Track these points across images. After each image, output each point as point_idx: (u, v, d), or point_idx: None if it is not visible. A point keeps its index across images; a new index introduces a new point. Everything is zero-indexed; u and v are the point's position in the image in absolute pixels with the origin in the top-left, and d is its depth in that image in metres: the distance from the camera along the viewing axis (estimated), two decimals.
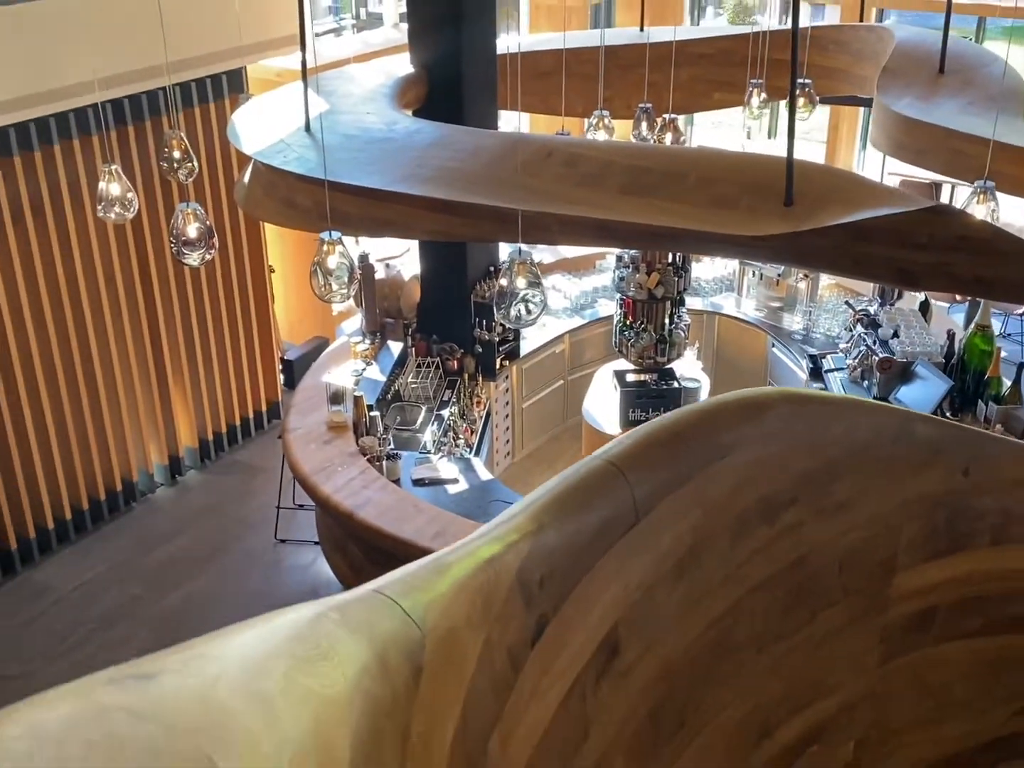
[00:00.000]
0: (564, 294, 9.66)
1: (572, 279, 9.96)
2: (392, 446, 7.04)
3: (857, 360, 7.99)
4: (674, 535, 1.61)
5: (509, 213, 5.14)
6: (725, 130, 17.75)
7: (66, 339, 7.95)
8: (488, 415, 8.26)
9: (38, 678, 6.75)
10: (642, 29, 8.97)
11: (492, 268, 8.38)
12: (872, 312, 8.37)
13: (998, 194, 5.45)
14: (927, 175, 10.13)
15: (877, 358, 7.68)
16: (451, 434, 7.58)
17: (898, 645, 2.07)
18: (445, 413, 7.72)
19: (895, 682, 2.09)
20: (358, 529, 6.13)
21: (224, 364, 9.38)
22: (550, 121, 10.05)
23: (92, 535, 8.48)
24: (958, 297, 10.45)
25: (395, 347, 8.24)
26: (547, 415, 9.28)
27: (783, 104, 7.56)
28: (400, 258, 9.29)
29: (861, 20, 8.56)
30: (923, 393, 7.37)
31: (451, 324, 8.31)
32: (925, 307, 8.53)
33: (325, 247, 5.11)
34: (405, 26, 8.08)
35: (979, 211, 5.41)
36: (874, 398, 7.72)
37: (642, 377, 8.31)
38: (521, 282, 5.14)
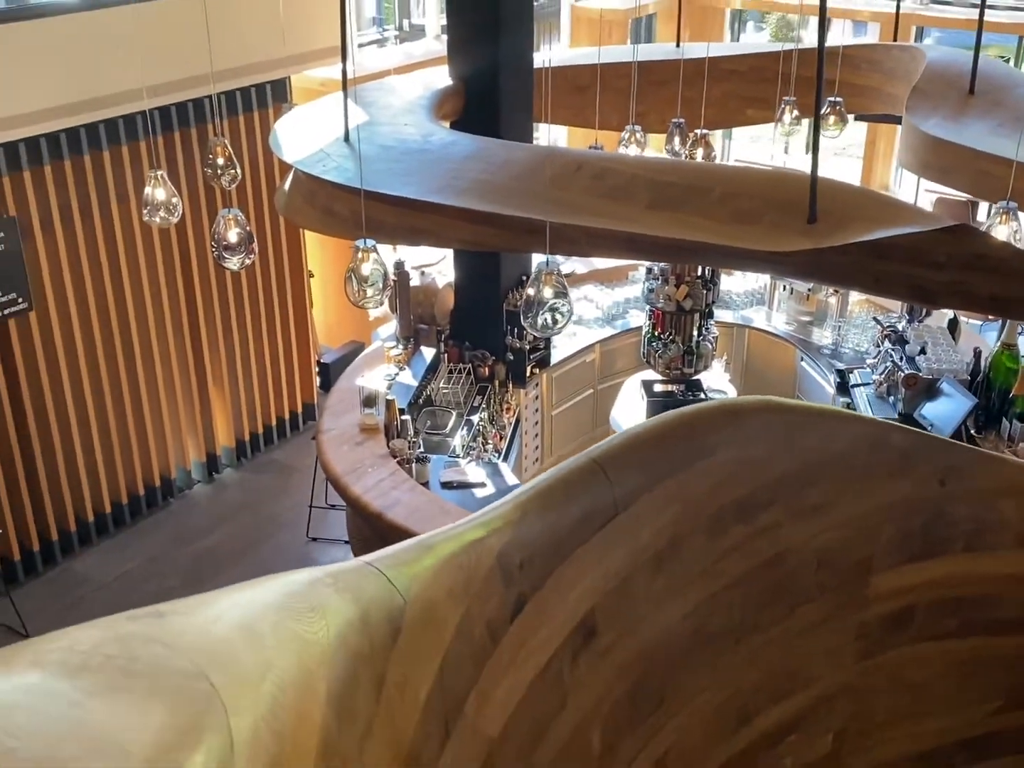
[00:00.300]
0: (596, 304, 9.80)
1: (604, 290, 10.10)
2: (422, 449, 7.21)
3: (883, 376, 8.06)
4: (652, 529, 1.75)
5: (538, 224, 5.29)
6: (763, 144, 17.81)
7: (110, 338, 8.20)
8: (518, 421, 8.41)
9: None
10: (678, 45, 9.10)
11: (524, 277, 8.54)
12: (900, 328, 8.44)
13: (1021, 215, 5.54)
14: (964, 194, 10.17)
15: (903, 374, 7.75)
16: (480, 439, 7.74)
17: (876, 642, 2.20)
18: (475, 418, 7.88)
19: (874, 677, 2.22)
20: (386, 529, 6.30)
21: (262, 366, 9.61)
22: (587, 134, 10.20)
23: (130, 529, 8.73)
24: (990, 316, 10.46)
25: (428, 353, 8.41)
26: (576, 423, 9.42)
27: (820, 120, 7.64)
28: (435, 266, 9.48)
29: (895, 39, 8.63)
30: (947, 410, 7.43)
31: (483, 331, 8.47)
32: (954, 325, 8.59)
33: (360, 254, 5.28)
34: (446, 38, 8.27)
35: (1001, 231, 5.50)
36: (899, 414, 7.79)
37: (669, 388, 8.43)
38: (548, 292, 5.27)
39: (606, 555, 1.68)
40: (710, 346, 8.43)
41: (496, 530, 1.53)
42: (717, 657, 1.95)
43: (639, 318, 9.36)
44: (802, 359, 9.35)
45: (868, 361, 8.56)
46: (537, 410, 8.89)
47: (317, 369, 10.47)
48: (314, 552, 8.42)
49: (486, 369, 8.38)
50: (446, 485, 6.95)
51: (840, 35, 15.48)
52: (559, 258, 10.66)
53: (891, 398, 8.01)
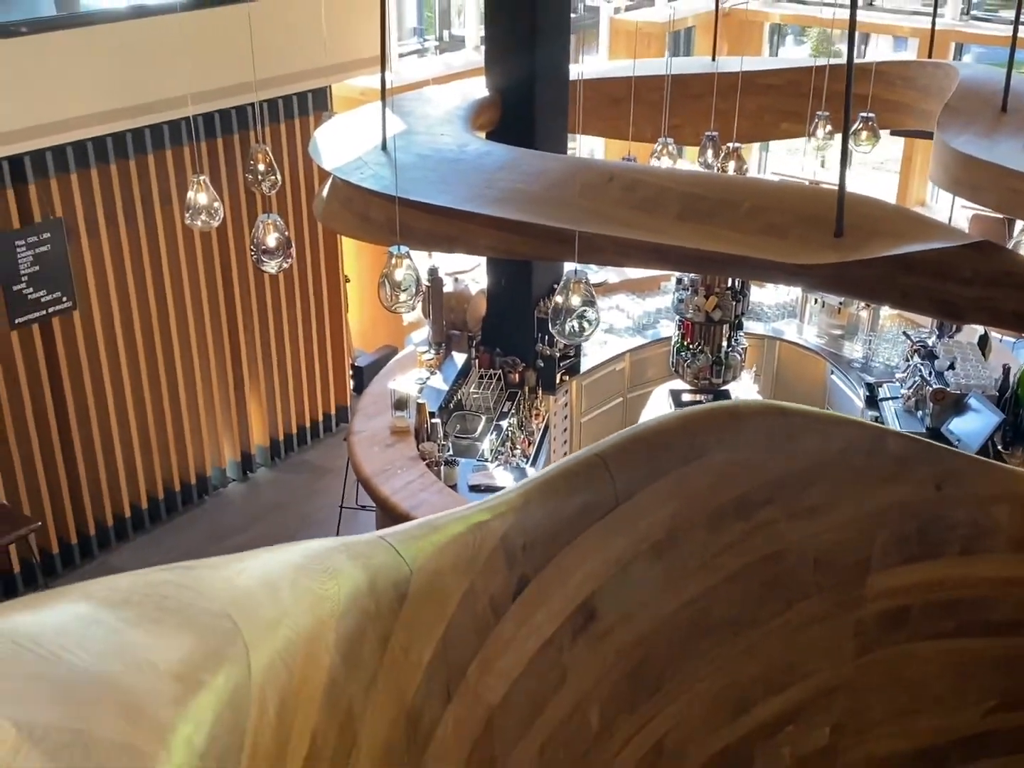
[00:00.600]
0: (627, 314, 9.89)
1: (636, 299, 10.19)
2: (451, 452, 7.34)
3: (912, 390, 8.10)
4: (652, 521, 1.85)
5: (568, 234, 5.40)
6: (800, 158, 17.82)
7: (150, 338, 8.41)
8: (546, 428, 8.52)
9: None
10: (714, 59, 9.19)
11: (555, 285, 8.65)
12: (930, 344, 8.47)
13: None
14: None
15: (931, 389, 7.78)
16: (509, 444, 7.86)
17: (873, 640, 2.28)
18: (504, 424, 8.00)
19: (871, 674, 2.30)
20: None
21: (297, 368, 9.79)
22: (624, 146, 10.30)
23: (165, 525, 8.92)
24: (1023, 334, 10.45)
25: (459, 358, 8.55)
26: (605, 431, 9.50)
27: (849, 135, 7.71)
28: (469, 273, 9.62)
29: (930, 56, 8.67)
30: (975, 425, 7.46)
31: (514, 338, 8.60)
32: (984, 341, 8.61)
33: (393, 260, 5.41)
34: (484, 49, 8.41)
35: None
36: (926, 428, 7.83)
37: (697, 397, 8.50)
38: (576, 300, 5.37)
39: (606, 544, 1.78)
40: (739, 357, 8.50)
41: (500, 515, 1.64)
42: (716, 647, 2.05)
43: (670, 328, 9.43)
44: (832, 372, 9.39)
45: (897, 375, 8.60)
46: (566, 417, 8.99)
47: (351, 372, 10.63)
48: None
49: (516, 375, 8.49)
50: (474, 488, 7.07)
51: (881, 51, 15.50)
52: (592, 267, 10.78)
53: (919, 413, 8.05)
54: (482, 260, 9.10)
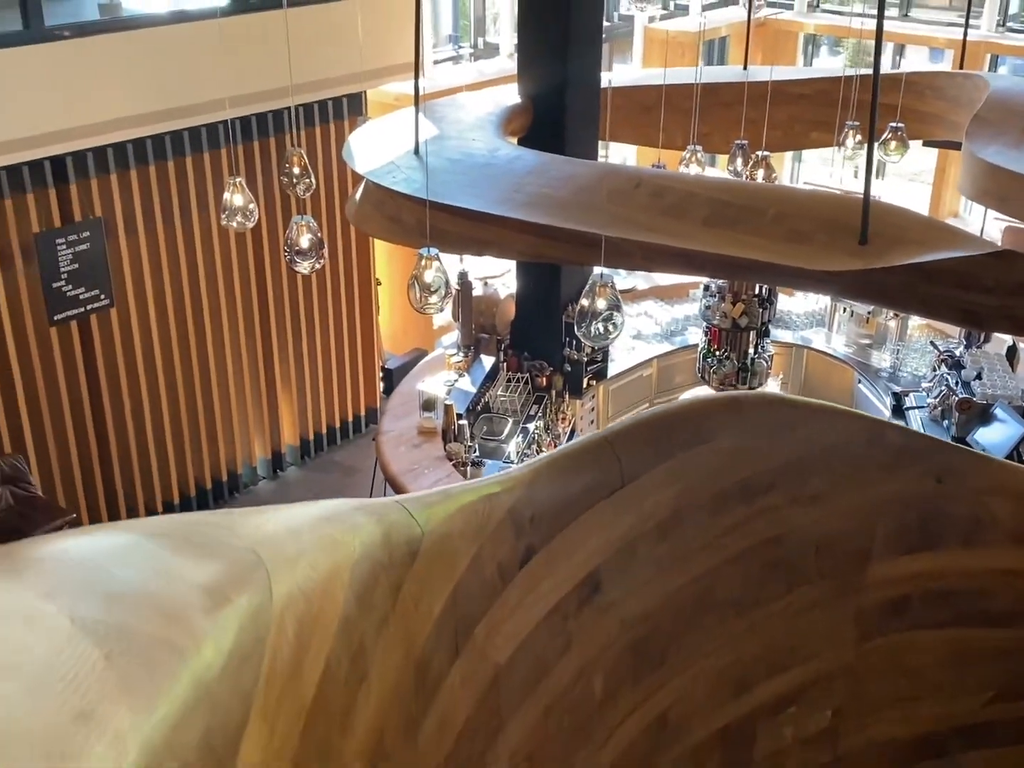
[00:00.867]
0: (655, 320, 9.96)
1: (664, 306, 10.26)
2: (477, 453, 7.44)
3: (938, 399, 8.12)
4: (657, 501, 1.94)
5: (595, 238, 5.49)
6: (834, 167, 17.80)
7: (185, 336, 8.57)
8: (573, 431, 8.61)
9: None
10: (745, 68, 9.25)
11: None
12: (957, 354, 8.49)
13: None
14: None
15: (957, 398, 7.81)
16: (535, 446, 7.95)
17: (874, 627, 2.35)
18: (531, 426, 8.10)
19: (871, 660, 2.37)
20: None
21: (328, 369, 9.93)
22: (655, 153, 10.38)
23: None
24: None
25: (488, 361, 8.65)
26: None
27: (878, 145, 7.76)
28: (500, 278, 9.73)
29: (961, 67, 8.70)
30: (1000, 435, 7.48)
31: (542, 342, 8.69)
32: (1012, 352, 8.61)
33: (423, 262, 5.51)
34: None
35: None
36: (952, 438, 7.85)
37: None
38: (601, 303, 5.45)
39: (612, 521, 1.87)
40: (765, 364, 8.55)
41: (510, 488, 1.73)
42: (719, 626, 2.13)
43: (698, 335, 9.50)
44: (859, 381, 9.42)
45: (923, 385, 8.62)
46: (592, 421, 9.07)
47: (381, 374, 10.76)
48: None
49: (544, 379, 8.59)
50: None
51: (916, 63, 15.47)
52: (621, 273, 10.87)
53: (945, 422, 8.07)
54: (512, 265, 9.21)
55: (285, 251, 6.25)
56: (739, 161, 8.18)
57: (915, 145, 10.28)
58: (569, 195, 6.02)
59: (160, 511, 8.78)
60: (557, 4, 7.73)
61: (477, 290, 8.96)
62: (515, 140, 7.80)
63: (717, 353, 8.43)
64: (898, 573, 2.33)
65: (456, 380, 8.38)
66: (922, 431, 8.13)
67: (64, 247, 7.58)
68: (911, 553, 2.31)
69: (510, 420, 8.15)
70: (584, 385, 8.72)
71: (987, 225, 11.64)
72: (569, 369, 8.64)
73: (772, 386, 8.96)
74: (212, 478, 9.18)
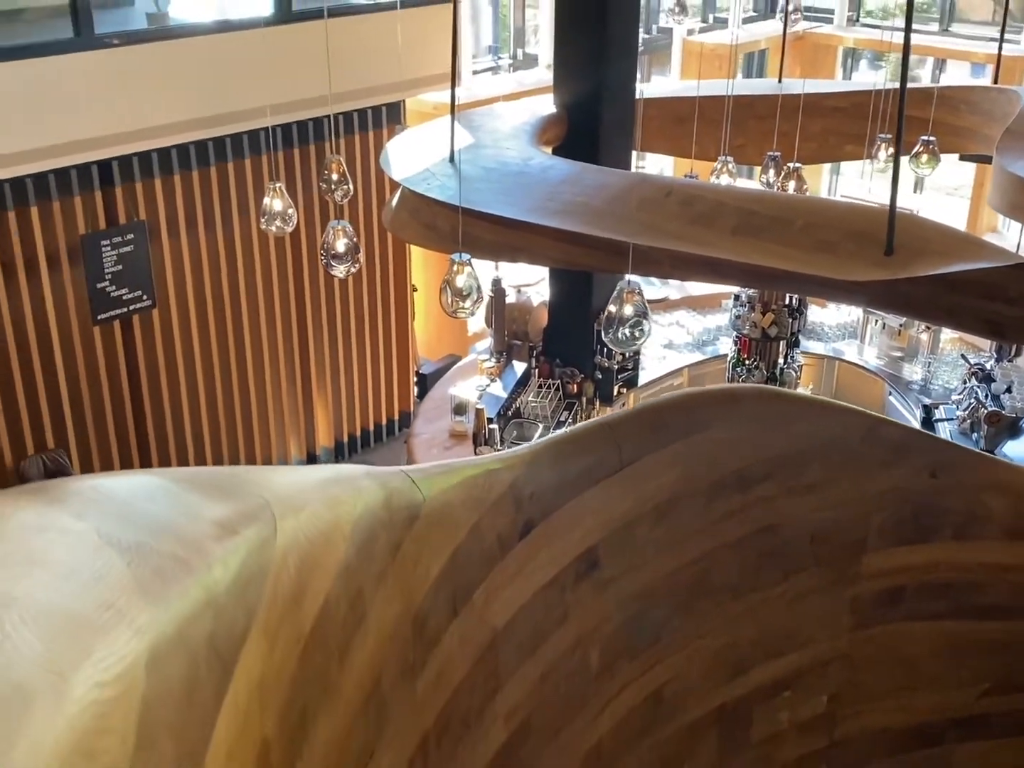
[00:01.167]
0: (687, 330, 10.04)
1: (696, 316, 10.34)
2: None
3: (967, 412, 8.14)
4: (654, 486, 2.04)
5: (625, 246, 5.59)
6: (874, 179, 17.77)
7: (224, 338, 8.77)
8: None
9: None
10: (780, 81, 9.33)
11: None
12: (988, 367, 8.49)
13: None
14: None
15: (986, 411, 7.82)
16: None
17: (870, 616, 2.44)
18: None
19: (867, 648, 2.45)
20: None
21: (363, 373, 10.10)
22: (690, 164, 10.46)
23: None
24: None
25: (519, 367, 8.77)
26: None
27: (909, 159, 7.81)
28: (535, 286, 9.86)
29: (995, 81, 8.72)
30: None
31: (574, 349, 8.80)
32: None
33: (455, 267, 5.64)
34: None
35: None
36: (981, 450, 7.86)
37: None
38: (628, 310, 5.54)
39: (610, 501, 1.98)
40: (794, 374, 8.60)
41: (511, 466, 1.85)
42: (715, 608, 2.23)
43: (729, 345, 9.56)
44: (890, 393, 9.43)
45: (953, 397, 8.63)
46: None
47: (415, 379, 10.91)
48: None
49: (575, 386, 8.69)
50: None
51: (957, 77, 15.44)
52: (655, 282, 10.95)
53: (974, 435, 8.08)
54: (546, 273, 9.33)
55: (321, 255, 6.39)
56: (771, 172, 8.25)
57: (953, 159, 10.29)
58: (601, 204, 6.12)
59: None
60: (593, 16, 7.85)
61: (510, 297, 9.09)
62: (549, 149, 7.93)
63: (746, 362, 8.50)
64: (893, 564, 2.41)
65: (488, 385, 8.51)
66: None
67: (109, 249, 7.79)
68: (905, 545, 2.40)
69: (540, 425, 8.26)
70: (614, 393, 8.81)
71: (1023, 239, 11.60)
72: (600, 376, 8.75)
73: None
74: None
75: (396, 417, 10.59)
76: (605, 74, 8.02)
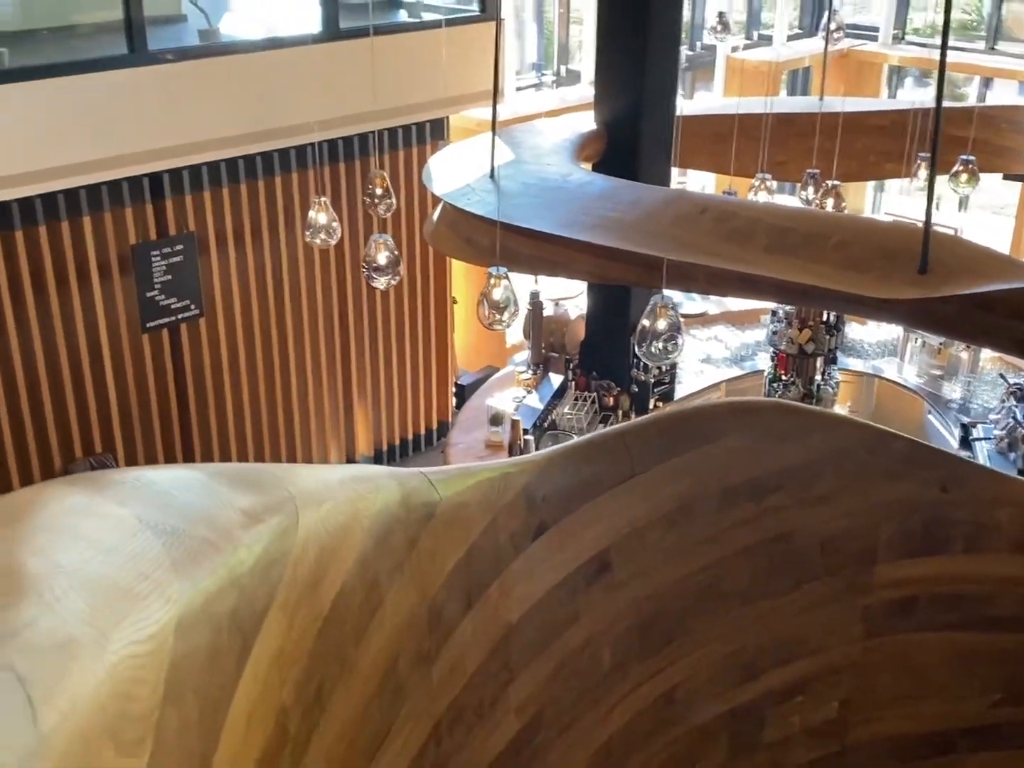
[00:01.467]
0: (725, 344, 10.08)
1: (734, 331, 10.38)
2: None
3: (1005, 431, 8.11)
4: (666, 493, 2.13)
5: (659, 261, 5.67)
6: (917, 198, 17.68)
7: (268, 347, 8.96)
8: None
9: None
10: (821, 98, 9.37)
11: None
12: None
13: None
14: None
15: (1023, 431, 7.79)
16: None
17: (881, 626, 2.50)
18: None
19: (878, 656, 2.51)
20: None
21: (403, 383, 10.25)
22: (732, 181, 10.51)
23: None
24: None
25: (556, 379, 8.86)
26: None
27: (949, 178, 7.84)
28: (573, 300, 9.96)
29: None
30: None
31: (610, 362, 8.88)
32: None
33: (492, 280, 5.75)
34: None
35: None
36: (1018, 471, 7.83)
37: None
38: (662, 324, 5.62)
39: (622, 507, 2.07)
40: (831, 391, 8.62)
41: (525, 470, 1.95)
42: (726, 614, 2.30)
43: (767, 360, 9.59)
44: (929, 412, 9.41)
45: (991, 417, 8.60)
46: None
47: (454, 390, 11.04)
48: None
49: (611, 399, 8.77)
50: None
51: (1004, 96, 15.35)
52: (695, 297, 11.01)
53: (1012, 454, 8.05)
54: (584, 287, 9.42)
55: (363, 267, 6.54)
56: (810, 189, 8.30)
57: (997, 178, 10.25)
58: (636, 219, 6.21)
59: None
60: (633, 33, 7.95)
61: (548, 310, 9.19)
62: (589, 165, 8.03)
63: (783, 378, 8.53)
64: (903, 575, 2.47)
65: (524, 397, 8.61)
66: (987, 463, 8.12)
67: (158, 259, 8.01)
68: (915, 557, 2.46)
69: (575, 438, 8.33)
70: (651, 406, 8.87)
71: None
72: (636, 390, 8.81)
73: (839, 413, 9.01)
74: None
75: (435, 427, 10.73)
76: (645, 91, 8.10)
